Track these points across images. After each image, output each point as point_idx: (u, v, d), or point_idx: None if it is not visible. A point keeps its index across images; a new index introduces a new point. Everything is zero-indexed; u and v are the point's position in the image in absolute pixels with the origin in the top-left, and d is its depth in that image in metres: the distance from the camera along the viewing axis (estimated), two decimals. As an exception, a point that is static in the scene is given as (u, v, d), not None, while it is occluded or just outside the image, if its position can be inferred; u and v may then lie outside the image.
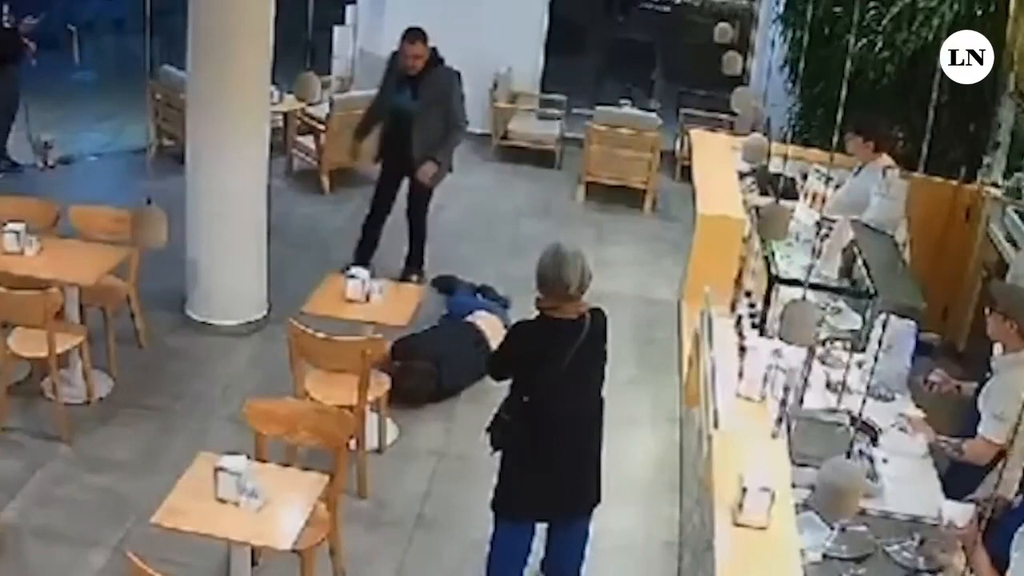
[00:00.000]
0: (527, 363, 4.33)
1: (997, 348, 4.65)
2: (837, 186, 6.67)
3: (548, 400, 4.30)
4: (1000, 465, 4.09)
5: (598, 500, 4.63)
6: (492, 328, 6.53)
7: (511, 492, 4.50)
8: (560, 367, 4.24)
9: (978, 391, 4.58)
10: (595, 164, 9.58)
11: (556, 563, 4.78)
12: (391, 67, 7.26)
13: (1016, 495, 3.98)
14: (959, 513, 4.01)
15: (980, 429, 4.37)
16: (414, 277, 7.34)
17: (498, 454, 4.57)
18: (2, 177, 8.59)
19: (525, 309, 6.68)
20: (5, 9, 8.09)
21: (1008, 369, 4.43)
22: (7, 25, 8.14)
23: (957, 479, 4.49)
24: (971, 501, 4.14)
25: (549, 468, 4.40)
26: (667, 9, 13.97)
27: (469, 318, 6.65)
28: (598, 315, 4.35)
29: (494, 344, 6.37)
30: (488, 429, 4.54)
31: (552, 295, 4.22)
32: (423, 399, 6.16)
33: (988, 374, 4.54)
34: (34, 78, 8.86)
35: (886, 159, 6.46)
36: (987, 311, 4.59)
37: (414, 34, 6.96)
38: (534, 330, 4.32)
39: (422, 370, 6.14)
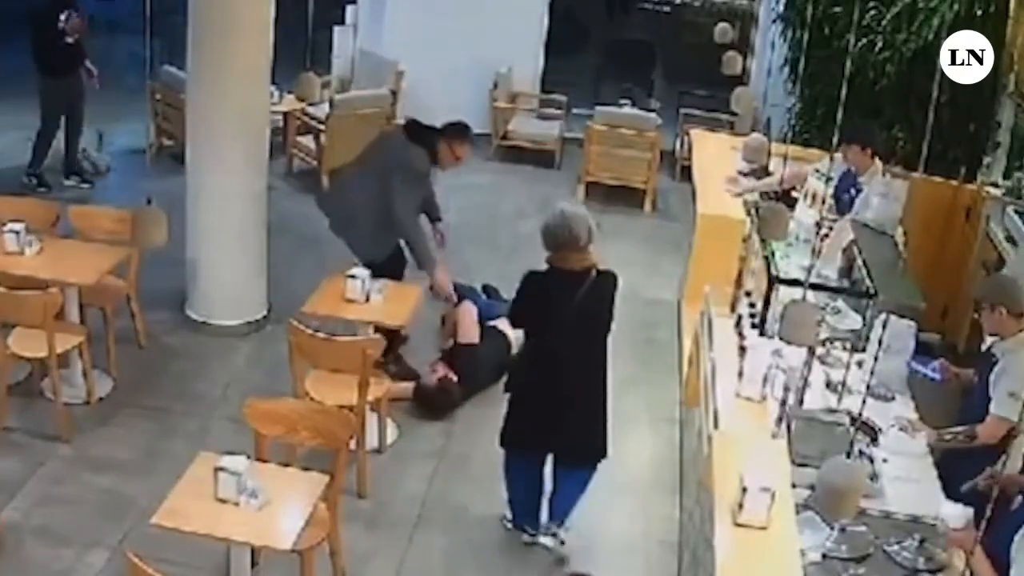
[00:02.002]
0: (536, 308, 4.79)
1: (988, 340, 4.72)
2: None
3: (552, 342, 4.77)
4: (1000, 463, 4.09)
5: (603, 454, 5.02)
6: (515, 333, 6.54)
7: (514, 425, 4.99)
8: (563, 312, 4.69)
9: (981, 382, 4.60)
10: (595, 164, 9.58)
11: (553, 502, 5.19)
12: (425, 173, 6.32)
13: (1016, 495, 3.98)
14: (958, 515, 4.01)
15: (992, 409, 4.42)
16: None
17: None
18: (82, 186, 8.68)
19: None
20: (62, 17, 8.05)
21: (1015, 351, 4.48)
22: (69, 41, 8.08)
23: (954, 482, 4.49)
24: (973, 489, 4.15)
25: (550, 403, 4.84)
26: (667, 9, 13.99)
27: (495, 323, 6.58)
28: (606, 273, 4.81)
29: (515, 347, 6.44)
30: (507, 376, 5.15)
31: (562, 248, 4.70)
32: (446, 412, 6.17)
33: (993, 359, 4.57)
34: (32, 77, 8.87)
35: (879, 163, 6.50)
36: (978, 313, 4.62)
37: (472, 134, 6.35)
38: (542, 279, 4.79)
39: (453, 388, 6.17)
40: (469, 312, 6.48)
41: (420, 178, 6.26)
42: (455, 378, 6.18)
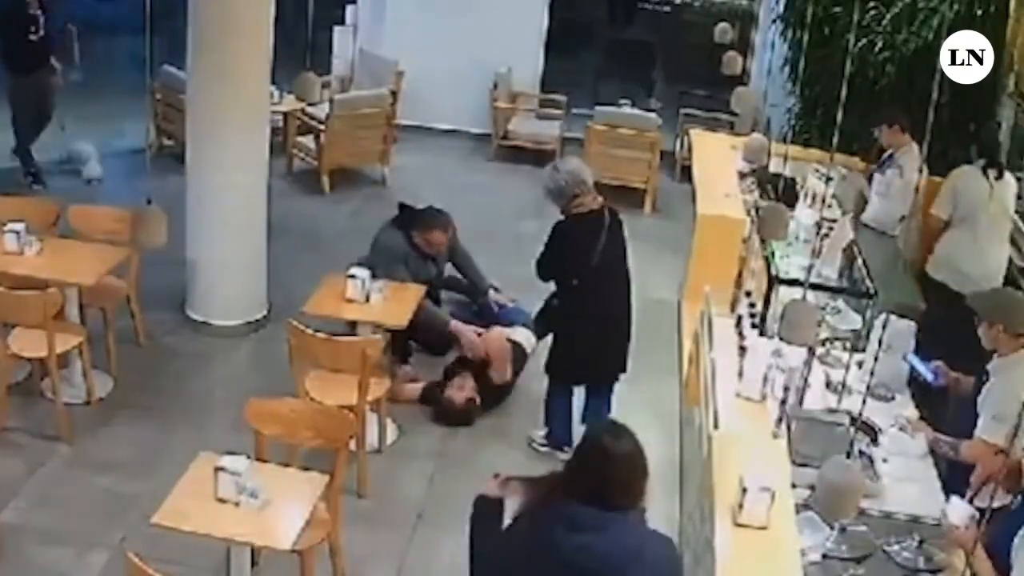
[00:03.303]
0: (571, 253, 5.30)
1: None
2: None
3: (590, 281, 5.32)
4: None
5: (624, 369, 5.72)
6: (529, 343, 6.49)
7: (569, 364, 5.56)
8: (595, 252, 5.27)
9: (975, 392, 4.58)
10: (595, 164, 9.45)
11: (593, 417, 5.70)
12: (399, 252, 6.22)
13: (1016, 496, 3.98)
14: (960, 513, 4.00)
15: (978, 431, 4.37)
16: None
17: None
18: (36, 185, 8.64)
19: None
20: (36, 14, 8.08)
21: (1005, 371, 4.43)
22: (33, 39, 8.13)
23: (954, 484, 4.48)
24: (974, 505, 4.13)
25: (596, 338, 5.46)
26: (667, 9, 13.98)
27: (511, 333, 6.47)
28: (612, 208, 5.44)
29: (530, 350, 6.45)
30: (535, 320, 5.72)
31: (575, 197, 5.25)
32: (462, 426, 6.11)
33: (985, 377, 4.54)
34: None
35: (913, 143, 6.73)
36: (976, 323, 4.58)
37: (446, 220, 6.30)
38: (572, 226, 5.31)
39: (476, 410, 6.10)
40: (506, 351, 6.28)
41: (397, 257, 6.16)
42: (479, 399, 6.10)
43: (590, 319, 5.44)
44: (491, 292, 6.77)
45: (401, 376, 6.23)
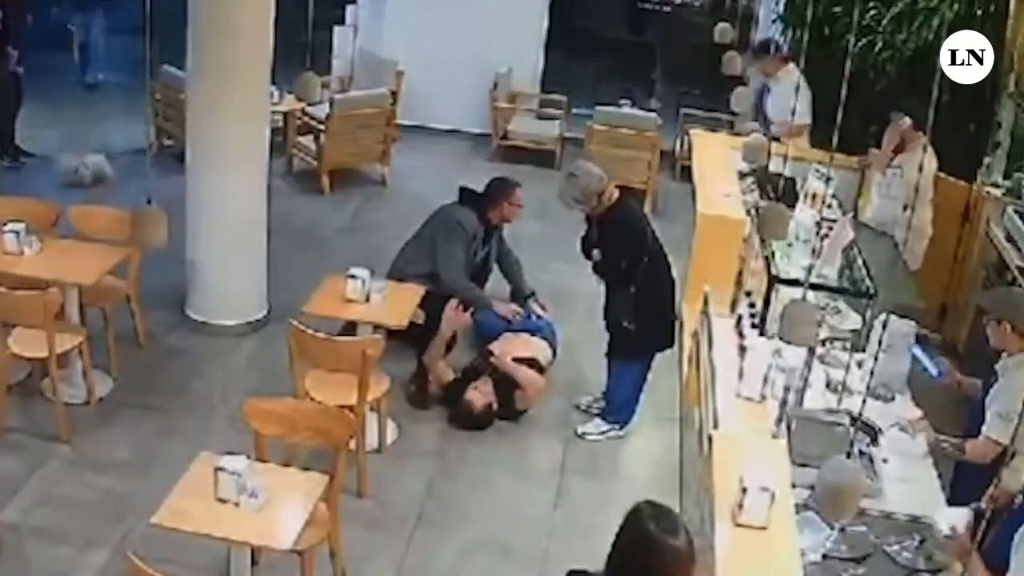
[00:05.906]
0: (635, 235, 5.71)
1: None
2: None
3: (654, 253, 5.74)
4: (1002, 465, 4.08)
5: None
6: (545, 358, 6.47)
7: (651, 335, 5.90)
8: (649, 227, 5.82)
9: (983, 392, 4.58)
10: (595, 164, 9.52)
11: None
12: (469, 232, 6.54)
13: (1017, 495, 3.97)
14: (956, 520, 4.01)
15: (984, 428, 4.38)
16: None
17: None
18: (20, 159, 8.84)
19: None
20: None
21: (1013, 370, 4.44)
22: None
23: (963, 485, 4.48)
24: (975, 508, 4.13)
25: (670, 304, 5.99)
26: (667, 9, 13.99)
27: (533, 353, 6.42)
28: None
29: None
30: (607, 314, 5.84)
31: (600, 192, 5.64)
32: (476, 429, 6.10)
33: (993, 378, 4.55)
34: (34, 78, 8.89)
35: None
36: (984, 322, 4.59)
37: (516, 186, 6.70)
38: (622, 213, 5.73)
39: (492, 416, 6.06)
40: (542, 387, 6.25)
41: (464, 236, 6.51)
42: (496, 405, 6.05)
43: (663, 288, 5.86)
44: (530, 302, 6.81)
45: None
